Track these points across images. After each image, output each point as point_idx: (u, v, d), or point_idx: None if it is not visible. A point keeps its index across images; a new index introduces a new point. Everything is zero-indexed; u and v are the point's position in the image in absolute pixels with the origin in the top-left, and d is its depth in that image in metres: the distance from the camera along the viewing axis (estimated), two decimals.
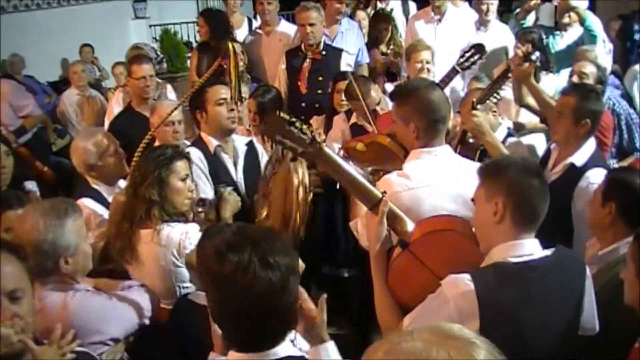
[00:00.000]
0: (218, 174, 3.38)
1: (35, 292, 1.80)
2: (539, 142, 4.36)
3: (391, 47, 5.77)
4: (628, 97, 5.30)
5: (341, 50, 5.17)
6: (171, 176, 2.71)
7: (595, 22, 4.96)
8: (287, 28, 5.75)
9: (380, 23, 5.97)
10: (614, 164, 4.22)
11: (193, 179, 3.00)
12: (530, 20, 5.93)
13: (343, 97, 4.29)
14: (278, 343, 1.57)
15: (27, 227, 2.20)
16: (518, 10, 5.96)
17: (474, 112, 3.18)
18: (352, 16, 6.23)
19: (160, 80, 5.04)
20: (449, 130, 3.97)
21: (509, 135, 3.66)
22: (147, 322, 2.42)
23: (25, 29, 8.08)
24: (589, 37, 4.93)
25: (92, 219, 3.06)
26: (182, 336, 2.34)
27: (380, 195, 2.13)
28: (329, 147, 2.48)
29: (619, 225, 2.40)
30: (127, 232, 2.68)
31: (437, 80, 4.80)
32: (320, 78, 4.83)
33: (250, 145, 3.58)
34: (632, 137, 4.34)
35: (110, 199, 3.13)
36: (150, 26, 10.48)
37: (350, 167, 2.19)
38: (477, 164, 2.63)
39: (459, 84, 5.30)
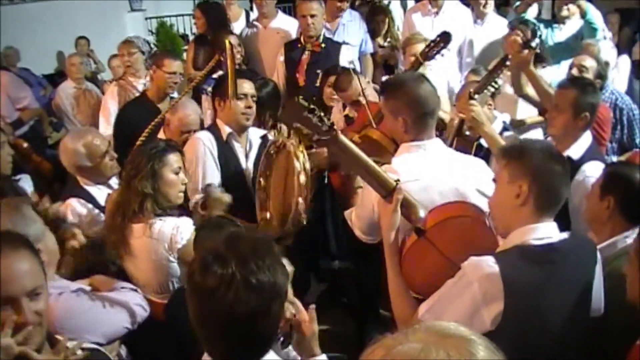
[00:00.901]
0: (228, 161, 3.38)
1: None
2: (536, 136, 4.35)
3: (388, 39, 5.74)
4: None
5: (341, 44, 5.14)
6: (164, 169, 2.72)
7: (596, 15, 4.94)
8: (285, 21, 5.72)
9: (377, 15, 5.94)
10: (615, 159, 4.21)
11: (186, 172, 3.01)
12: (531, 13, 5.90)
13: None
14: (260, 357, 1.54)
15: None
16: (518, 3, 5.93)
17: (472, 102, 3.18)
18: (353, 6, 6.19)
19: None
20: (446, 123, 3.98)
21: (505, 129, 3.64)
22: (134, 327, 2.36)
23: (21, 21, 8.04)
24: (589, 30, 4.91)
25: (83, 218, 3.04)
26: (177, 330, 2.33)
27: (394, 183, 2.12)
28: None
29: (617, 219, 2.39)
30: (121, 225, 2.68)
31: (440, 75, 4.85)
32: (319, 71, 4.80)
33: (264, 138, 3.56)
34: (632, 133, 4.33)
35: (100, 199, 3.12)
36: (147, 19, 10.44)
37: (365, 155, 2.16)
38: (470, 157, 2.64)
39: (456, 77, 5.29)
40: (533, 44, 3.42)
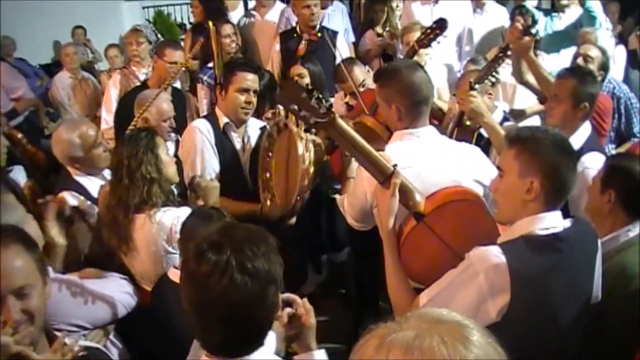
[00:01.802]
0: (224, 150, 3.35)
1: None
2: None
3: (387, 28, 5.71)
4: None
5: (336, 32, 5.12)
6: (160, 150, 2.77)
7: (595, 4, 4.91)
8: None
9: (376, 4, 5.89)
10: (612, 149, 4.19)
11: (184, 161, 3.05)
12: (530, 2, 5.86)
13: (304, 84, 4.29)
14: (252, 351, 1.52)
15: None
16: None
17: (472, 92, 3.15)
18: None
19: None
20: (445, 112, 3.96)
21: (505, 119, 3.62)
22: (121, 314, 2.36)
23: (17, 10, 7.97)
24: (588, 18, 4.89)
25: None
26: (162, 316, 2.34)
27: (392, 168, 2.09)
28: None
29: (619, 213, 2.36)
30: (123, 222, 2.67)
31: (440, 64, 4.83)
32: (316, 60, 4.77)
33: (263, 129, 3.53)
34: (630, 121, 4.31)
35: (92, 190, 3.09)
36: (144, 8, 10.35)
37: (362, 139, 2.13)
38: (465, 145, 2.61)
39: (455, 66, 5.26)
40: (533, 30, 3.39)
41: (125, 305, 2.36)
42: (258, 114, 3.85)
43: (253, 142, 3.46)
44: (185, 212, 2.66)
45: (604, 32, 4.92)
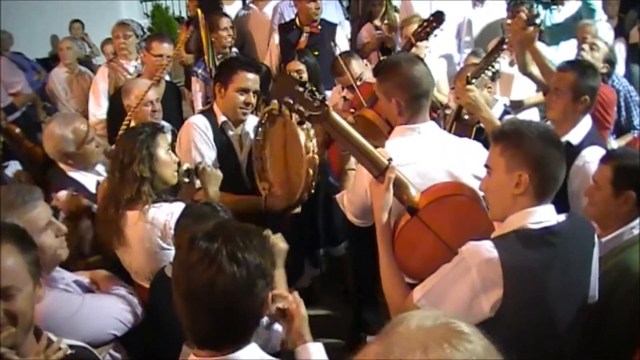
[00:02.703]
0: (221, 148, 3.33)
1: None
2: (532, 116, 4.33)
3: (385, 21, 5.68)
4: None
5: (335, 24, 5.11)
6: (158, 149, 2.71)
7: None
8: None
9: None
10: (611, 140, 4.18)
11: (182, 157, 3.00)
12: None
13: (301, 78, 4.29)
14: (239, 347, 1.51)
15: None
16: None
17: (469, 87, 3.13)
18: None
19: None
20: (443, 104, 3.94)
21: (506, 112, 3.59)
22: (122, 332, 2.30)
23: (14, 4, 7.93)
24: (587, 10, 4.87)
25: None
26: (159, 313, 2.31)
27: (386, 162, 2.08)
28: None
29: (634, 211, 2.32)
30: (114, 216, 2.65)
31: (439, 57, 4.81)
32: (316, 53, 4.75)
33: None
34: (630, 114, 4.30)
35: (88, 185, 3.08)
36: (142, 1, 10.34)
37: (357, 133, 2.12)
38: (465, 140, 2.60)
39: (454, 59, 5.24)
40: (537, 21, 3.37)
41: (127, 324, 2.30)
42: (254, 108, 3.84)
43: (249, 139, 3.42)
44: (178, 207, 2.63)
45: (604, 24, 4.90)
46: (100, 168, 3.20)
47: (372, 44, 5.55)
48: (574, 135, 2.86)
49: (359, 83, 3.89)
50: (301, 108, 2.04)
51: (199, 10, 3.44)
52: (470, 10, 5.41)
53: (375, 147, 2.14)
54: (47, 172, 3.91)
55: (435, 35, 3.69)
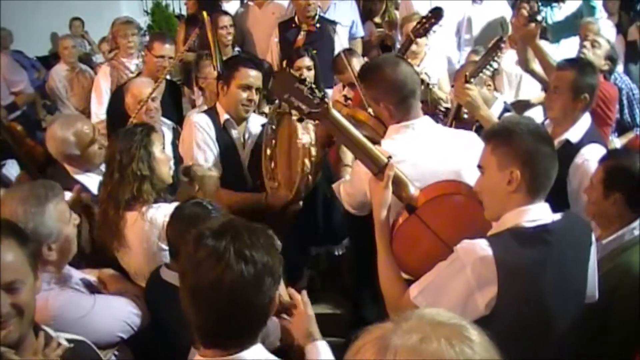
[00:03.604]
0: (224, 146, 3.32)
1: None
2: (536, 115, 4.32)
3: (385, 19, 5.67)
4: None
5: (335, 22, 5.09)
6: (154, 148, 2.73)
7: None
8: (280, 1, 5.64)
9: None
10: (613, 138, 4.18)
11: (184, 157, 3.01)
12: None
13: (304, 74, 4.27)
14: (246, 346, 1.51)
15: (5, 216, 2.05)
16: None
17: (467, 85, 3.13)
18: None
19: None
20: (446, 100, 3.93)
21: (506, 110, 3.59)
22: (126, 336, 2.30)
23: (14, 2, 7.92)
24: (588, 8, 4.87)
25: None
26: (153, 315, 2.32)
27: (385, 159, 2.09)
28: None
29: (626, 213, 2.33)
30: (114, 218, 2.65)
31: (439, 54, 4.80)
32: (315, 51, 4.74)
33: (265, 126, 3.49)
34: (632, 112, 4.30)
35: (92, 187, 3.07)
36: None
37: (356, 130, 2.14)
38: (463, 132, 2.60)
39: (454, 57, 5.23)
40: (539, 17, 3.37)
41: (134, 327, 2.30)
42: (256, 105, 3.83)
43: (254, 138, 3.42)
44: None
45: (606, 22, 4.89)
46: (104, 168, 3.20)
47: (373, 42, 5.54)
48: (574, 133, 2.85)
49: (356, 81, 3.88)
50: (301, 105, 2.05)
51: (204, 13, 3.43)
52: (470, 8, 5.40)
53: (375, 143, 2.15)
54: (47, 171, 3.93)
55: (434, 32, 3.69)
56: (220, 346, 1.50)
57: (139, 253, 2.65)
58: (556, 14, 5.25)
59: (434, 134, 2.47)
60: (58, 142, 3.07)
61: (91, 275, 2.46)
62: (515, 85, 4.54)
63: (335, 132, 2.14)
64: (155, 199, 2.67)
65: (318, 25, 4.92)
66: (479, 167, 2.00)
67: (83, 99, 6.14)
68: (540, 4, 4.74)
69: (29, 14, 7.99)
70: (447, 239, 2.04)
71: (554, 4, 5.31)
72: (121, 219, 2.64)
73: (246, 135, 3.41)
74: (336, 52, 4.53)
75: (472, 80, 3.15)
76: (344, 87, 4.29)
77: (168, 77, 4.46)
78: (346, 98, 4.15)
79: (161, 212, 2.61)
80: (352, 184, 2.50)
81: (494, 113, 3.36)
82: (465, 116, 3.40)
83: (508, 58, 4.46)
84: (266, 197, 3.19)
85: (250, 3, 5.64)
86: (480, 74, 3.21)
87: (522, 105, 4.24)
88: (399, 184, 2.11)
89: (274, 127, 3.20)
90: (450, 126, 3.39)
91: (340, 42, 4.98)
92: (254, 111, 3.52)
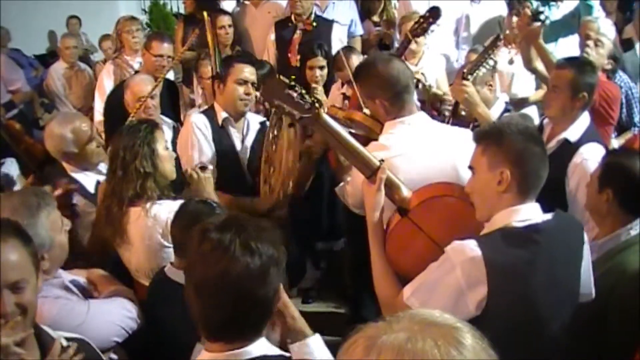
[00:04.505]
0: (222, 146, 3.32)
1: None
2: (532, 114, 4.33)
3: (383, 18, 5.67)
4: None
5: (332, 21, 5.10)
6: (158, 145, 2.72)
7: None
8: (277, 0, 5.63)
9: None
10: (612, 137, 4.18)
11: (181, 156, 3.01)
12: None
13: (317, 74, 4.31)
14: (251, 340, 1.51)
15: None
16: None
17: (464, 82, 3.14)
18: None
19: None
20: (446, 99, 3.93)
21: (507, 110, 3.59)
22: (121, 340, 2.28)
23: (11, 1, 7.90)
24: (585, 7, 4.87)
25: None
26: (157, 313, 2.31)
27: (378, 163, 2.11)
28: None
29: (618, 211, 2.33)
30: (117, 214, 2.64)
31: (437, 53, 4.81)
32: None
33: (263, 125, 3.48)
34: (630, 111, 4.30)
35: (88, 186, 3.07)
36: None
37: (348, 134, 2.16)
38: (458, 128, 2.62)
39: (452, 56, 5.23)
40: (542, 17, 3.38)
41: (128, 330, 2.28)
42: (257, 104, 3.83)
43: (252, 136, 3.43)
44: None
45: (605, 20, 4.90)
46: (102, 167, 3.19)
47: (371, 41, 5.54)
48: (572, 132, 2.85)
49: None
50: (292, 111, 2.07)
51: (205, 14, 3.43)
52: (468, 6, 5.40)
53: (369, 141, 2.16)
54: (45, 169, 3.92)
55: (432, 31, 3.69)
56: (226, 340, 1.50)
57: (141, 249, 2.65)
58: (554, 13, 5.25)
59: (430, 129, 2.50)
60: (56, 139, 3.06)
61: (80, 276, 2.44)
62: (508, 84, 4.55)
63: (327, 137, 2.17)
64: (159, 195, 2.67)
65: (314, 24, 4.92)
66: (470, 167, 2.02)
67: (81, 98, 6.14)
68: (540, 3, 4.77)
69: (26, 13, 7.97)
70: (440, 241, 2.04)
71: (552, 3, 5.31)
72: (124, 215, 2.64)
73: (245, 133, 3.42)
74: (334, 50, 4.53)
75: (469, 77, 3.16)
76: (342, 85, 4.30)
77: (168, 76, 4.46)
78: (345, 96, 4.16)
79: (165, 209, 2.60)
80: (354, 183, 2.51)
81: (495, 113, 3.36)
82: (463, 113, 3.40)
83: (501, 57, 4.47)
84: (252, 200, 3.20)
85: (247, 2, 5.63)
86: (477, 72, 3.22)
87: (518, 103, 4.24)
88: (391, 187, 2.13)
89: (276, 132, 3.20)
90: (448, 123, 3.40)
91: (340, 41, 4.98)
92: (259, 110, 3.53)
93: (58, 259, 2.21)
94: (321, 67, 4.28)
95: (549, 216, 1.93)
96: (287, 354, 1.61)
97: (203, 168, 2.91)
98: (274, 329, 1.71)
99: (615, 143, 4.12)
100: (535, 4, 4.64)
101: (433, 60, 4.69)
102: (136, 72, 4.63)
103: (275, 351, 1.57)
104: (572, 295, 1.98)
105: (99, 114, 4.75)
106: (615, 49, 4.12)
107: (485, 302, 1.79)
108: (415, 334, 0.90)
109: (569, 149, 2.82)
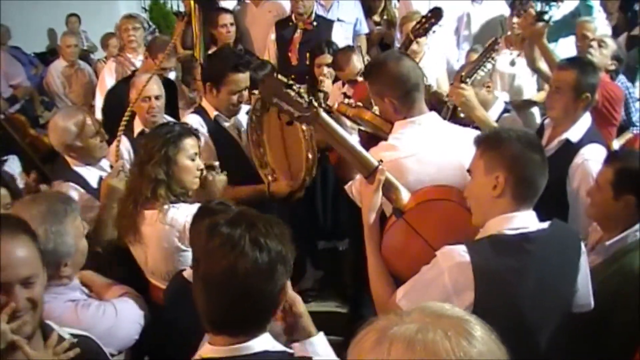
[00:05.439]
0: (220, 139, 3.32)
1: None
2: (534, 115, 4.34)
3: (384, 17, 5.67)
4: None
5: (333, 21, 5.09)
6: (179, 154, 2.63)
7: None
8: None
9: None
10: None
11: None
12: None
13: (325, 71, 4.30)
14: (254, 335, 1.51)
15: None
16: None
17: (462, 85, 3.12)
18: None
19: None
20: (446, 100, 3.93)
21: (506, 110, 3.59)
22: (138, 337, 2.32)
23: None
24: (584, 8, 4.87)
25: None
26: (173, 315, 2.30)
27: (376, 163, 2.11)
28: None
29: (633, 215, 2.30)
30: (132, 212, 2.61)
31: (438, 53, 4.81)
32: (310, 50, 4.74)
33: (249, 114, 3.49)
34: (628, 111, 4.30)
35: (91, 180, 3.07)
36: None
37: (347, 134, 2.16)
38: (469, 130, 2.60)
39: (453, 56, 5.24)
40: (546, 17, 3.39)
41: (142, 327, 2.33)
42: None
43: (245, 125, 3.43)
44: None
45: (601, 20, 4.90)
46: (104, 163, 3.19)
47: (372, 40, 5.54)
48: (574, 133, 2.84)
49: (360, 79, 3.89)
50: (290, 109, 2.08)
51: (191, 2, 3.40)
52: (469, 6, 5.41)
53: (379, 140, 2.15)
54: (47, 164, 3.90)
55: (434, 32, 3.69)
56: (230, 334, 1.50)
57: (157, 253, 2.62)
58: (555, 13, 5.25)
59: (440, 129, 2.47)
60: (59, 131, 3.06)
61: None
62: (508, 85, 4.55)
63: (326, 135, 2.16)
64: (173, 201, 2.62)
65: (315, 23, 4.92)
66: (469, 171, 2.01)
67: (81, 96, 6.14)
68: (543, 3, 4.77)
69: (26, 11, 7.95)
70: (435, 244, 2.02)
71: (553, 4, 5.31)
72: (139, 215, 2.60)
73: (238, 124, 3.43)
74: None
75: (467, 80, 3.14)
76: (343, 84, 4.30)
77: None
78: (345, 95, 4.15)
79: (182, 213, 2.56)
80: (361, 183, 2.50)
81: (494, 114, 3.36)
82: (462, 115, 3.40)
83: (502, 58, 4.48)
84: (268, 187, 3.20)
85: (247, 1, 5.63)
86: (475, 75, 3.21)
87: (524, 105, 4.25)
88: (389, 188, 2.13)
89: (258, 114, 3.20)
90: None
91: (346, 39, 4.97)
92: None
93: (79, 263, 2.22)
94: (328, 65, 4.29)
95: (544, 225, 1.92)
96: (289, 350, 1.60)
97: (210, 167, 2.85)
98: (281, 324, 1.71)
99: (615, 144, 4.13)
100: (539, 4, 4.65)
101: (434, 60, 4.69)
102: (133, 72, 4.61)
103: (278, 347, 1.57)
104: (564, 307, 1.97)
105: (99, 111, 4.74)
106: (619, 49, 4.12)
107: (471, 308, 1.78)
108: (426, 325, 0.91)
109: (570, 149, 2.81)
